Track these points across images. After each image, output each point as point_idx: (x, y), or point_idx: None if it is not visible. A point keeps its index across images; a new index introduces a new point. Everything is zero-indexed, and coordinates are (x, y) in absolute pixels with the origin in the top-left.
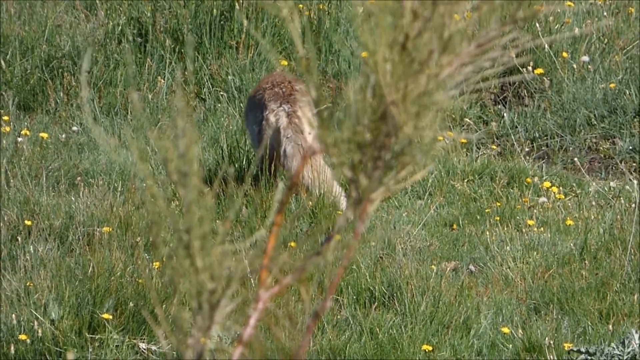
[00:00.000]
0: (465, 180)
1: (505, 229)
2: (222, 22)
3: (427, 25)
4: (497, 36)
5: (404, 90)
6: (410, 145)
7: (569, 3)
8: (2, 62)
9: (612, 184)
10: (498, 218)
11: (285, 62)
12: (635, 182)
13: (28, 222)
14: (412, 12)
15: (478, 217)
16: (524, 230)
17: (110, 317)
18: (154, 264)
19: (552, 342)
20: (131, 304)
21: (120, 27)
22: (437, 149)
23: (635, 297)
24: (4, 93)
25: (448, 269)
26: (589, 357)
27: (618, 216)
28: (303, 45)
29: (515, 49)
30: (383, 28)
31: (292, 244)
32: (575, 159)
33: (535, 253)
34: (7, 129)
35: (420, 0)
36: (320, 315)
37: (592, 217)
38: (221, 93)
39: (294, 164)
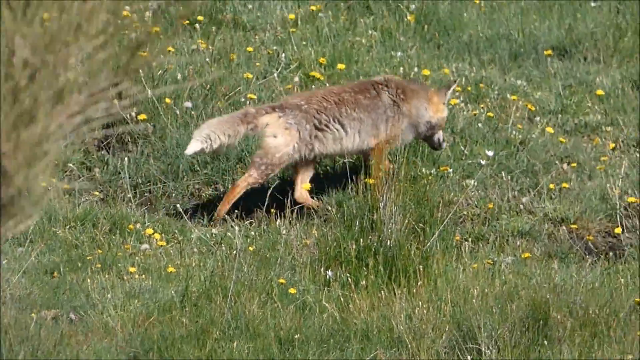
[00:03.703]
0: (67, 227)
1: (107, 276)
2: None
3: (39, 75)
4: (109, 86)
5: (16, 141)
6: (19, 195)
7: (169, 48)
8: None
9: (214, 230)
10: (100, 265)
11: None
12: (237, 228)
13: None
14: (23, 61)
15: (79, 265)
16: (125, 277)
17: None
18: None
19: None
20: None
21: None
22: (46, 199)
23: (235, 344)
24: None
25: (48, 317)
26: None
27: (219, 263)
28: None
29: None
30: None
31: None
32: (178, 205)
33: (136, 301)
34: None
35: (32, 50)
36: None
37: (194, 264)
38: None
39: None
